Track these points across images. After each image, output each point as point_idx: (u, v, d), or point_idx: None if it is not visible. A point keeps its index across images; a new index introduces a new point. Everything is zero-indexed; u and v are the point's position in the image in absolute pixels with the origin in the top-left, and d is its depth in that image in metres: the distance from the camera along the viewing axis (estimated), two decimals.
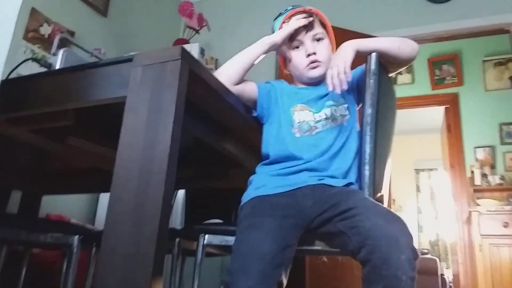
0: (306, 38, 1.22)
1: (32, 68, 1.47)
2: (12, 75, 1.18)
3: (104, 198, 2.69)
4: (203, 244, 1.11)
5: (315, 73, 1.22)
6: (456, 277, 4.32)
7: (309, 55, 1.21)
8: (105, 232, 0.81)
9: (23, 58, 1.54)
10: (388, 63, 1.17)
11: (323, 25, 1.27)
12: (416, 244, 5.36)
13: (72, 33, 2.61)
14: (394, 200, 5.64)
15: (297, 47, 1.24)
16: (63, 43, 1.48)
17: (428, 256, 4.57)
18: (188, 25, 3.31)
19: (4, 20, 0.97)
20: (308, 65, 1.21)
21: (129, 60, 0.94)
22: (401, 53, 1.16)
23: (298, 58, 1.23)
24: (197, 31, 3.34)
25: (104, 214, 2.83)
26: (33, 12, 2.40)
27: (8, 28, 0.96)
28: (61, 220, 2.14)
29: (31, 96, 1.09)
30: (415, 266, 0.81)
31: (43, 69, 1.35)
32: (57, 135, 1.24)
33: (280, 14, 1.33)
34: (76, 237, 1.27)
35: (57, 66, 1.22)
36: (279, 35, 1.23)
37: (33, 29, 2.39)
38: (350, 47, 1.14)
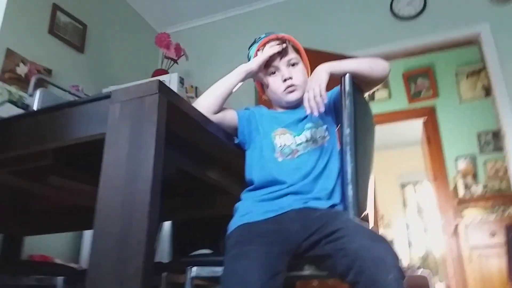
0: (281, 63, 1.25)
1: (10, 110, 1.46)
2: None
3: (88, 235, 2.63)
4: (191, 277, 1.09)
5: (293, 97, 1.24)
6: None
7: (285, 80, 1.24)
8: (89, 271, 0.79)
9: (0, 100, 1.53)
10: (361, 83, 1.20)
11: (297, 50, 1.30)
12: (407, 260, 5.35)
13: (49, 71, 2.61)
14: (382, 216, 5.66)
15: (274, 73, 1.27)
16: (40, 83, 1.48)
17: (420, 272, 4.54)
18: (166, 55, 3.35)
19: None
20: (285, 90, 1.24)
21: (107, 96, 0.95)
22: (373, 72, 1.20)
23: (275, 84, 1.26)
24: (175, 61, 3.37)
25: (88, 252, 2.76)
26: (9, 52, 2.39)
27: None
28: (44, 261, 2.08)
29: (10, 138, 1.08)
30: (402, 285, 0.81)
31: (20, 110, 1.34)
32: (38, 175, 1.22)
33: (254, 42, 1.37)
34: (61, 279, 1.23)
35: (35, 107, 1.21)
36: (254, 63, 1.26)
37: (9, 70, 2.38)
38: (324, 70, 1.17)
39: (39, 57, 2.57)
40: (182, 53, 3.37)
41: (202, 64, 3.61)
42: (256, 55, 1.31)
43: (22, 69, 2.44)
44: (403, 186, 6.40)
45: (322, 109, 1.11)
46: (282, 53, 1.26)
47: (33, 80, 1.27)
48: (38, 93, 1.20)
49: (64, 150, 1.11)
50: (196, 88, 3.34)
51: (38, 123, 1.05)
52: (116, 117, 0.91)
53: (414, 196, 6.35)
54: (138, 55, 3.64)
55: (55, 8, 2.75)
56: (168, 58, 3.36)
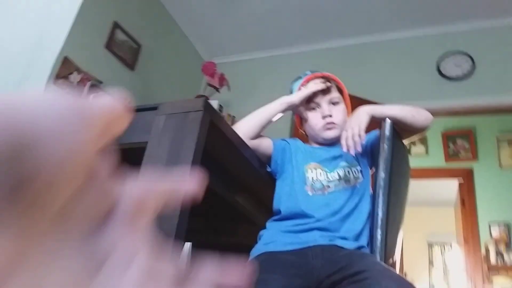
0: (323, 101, 1.27)
1: None
2: None
3: None
4: None
5: (330, 134, 1.25)
6: None
7: (325, 117, 1.25)
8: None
9: None
10: (401, 130, 1.20)
11: (340, 91, 1.32)
12: None
13: (100, 83, 2.75)
14: (405, 273, 5.42)
15: (314, 109, 1.28)
16: (91, 90, 1.56)
17: None
18: (209, 83, 3.45)
19: (42, 65, 1.04)
20: (323, 126, 1.25)
21: (154, 108, 0.99)
22: (415, 122, 1.19)
23: (314, 119, 1.27)
24: (217, 90, 3.47)
25: None
26: (66, 60, 2.54)
27: (45, 72, 1.02)
28: None
29: None
30: None
31: None
32: None
33: (299, 78, 1.40)
34: None
35: None
36: (297, 96, 1.28)
37: (63, 76, 2.52)
38: (365, 112, 1.17)
39: (93, 69, 2.71)
40: (225, 83, 3.47)
41: (242, 96, 3.69)
42: (299, 89, 1.33)
43: (75, 77, 2.58)
44: (430, 245, 6.15)
45: (359, 149, 1.11)
46: (325, 91, 1.28)
47: (88, 85, 1.34)
48: (91, 97, 1.27)
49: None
50: (233, 117, 3.41)
51: None
52: (159, 128, 0.95)
53: (441, 257, 6.08)
54: (184, 80, 3.77)
55: (115, 26, 2.93)
56: (211, 85, 3.46)
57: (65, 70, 2.54)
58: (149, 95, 3.26)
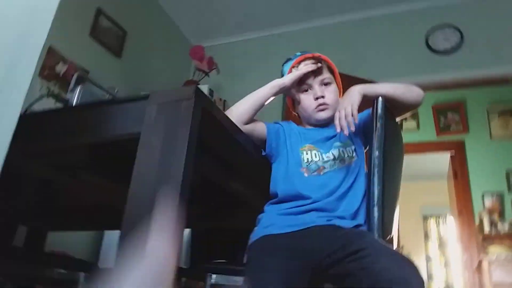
0: (315, 82, 1.27)
1: (46, 105, 1.52)
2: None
3: (109, 235, 2.66)
4: (210, 284, 1.09)
5: (323, 115, 1.25)
6: None
7: (317, 98, 1.25)
8: (115, 270, 0.80)
9: (38, 94, 1.59)
10: (394, 107, 1.20)
11: (331, 71, 1.32)
12: None
13: (86, 72, 2.70)
14: (402, 246, 5.52)
15: (306, 91, 1.28)
16: (79, 81, 1.53)
17: None
18: (198, 67, 3.42)
19: (27, 57, 1.02)
20: (316, 108, 1.25)
21: (145, 98, 0.97)
22: (407, 99, 1.20)
23: (306, 101, 1.27)
24: (206, 74, 3.44)
25: (108, 252, 2.78)
26: (50, 50, 2.49)
27: (31, 65, 1.00)
28: (68, 255, 2.11)
29: (48, 130, 1.12)
30: None
31: (57, 107, 1.39)
32: (69, 169, 1.26)
33: (289, 59, 1.39)
34: (82, 274, 1.25)
35: (74, 102, 1.26)
36: (288, 78, 1.27)
37: (49, 67, 2.48)
38: (357, 91, 1.17)
39: (78, 58, 2.67)
40: (214, 67, 3.43)
41: (232, 79, 3.66)
42: (290, 71, 1.32)
43: (60, 68, 2.54)
44: (425, 218, 6.26)
45: (353, 129, 1.11)
46: (316, 72, 1.27)
47: (75, 76, 1.32)
48: (78, 88, 1.25)
49: (97, 147, 1.14)
50: (224, 101, 3.39)
51: (77, 118, 1.09)
52: (152, 118, 0.94)
53: (436, 229, 6.20)
54: (172, 65, 3.73)
55: (99, 12, 2.87)
56: (200, 70, 3.43)
57: (50, 60, 2.49)
58: (137, 82, 3.22)
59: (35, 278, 1.40)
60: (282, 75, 1.37)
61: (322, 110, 1.25)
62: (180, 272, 1.33)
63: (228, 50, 3.92)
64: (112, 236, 2.65)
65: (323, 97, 1.25)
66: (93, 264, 1.60)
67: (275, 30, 3.81)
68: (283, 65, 1.41)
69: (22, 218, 1.91)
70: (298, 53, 1.37)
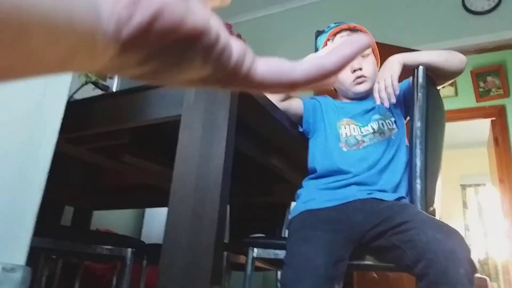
0: None
1: (86, 93, 1.56)
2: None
3: (150, 212, 2.76)
4: (252, 257, 1.12)
5: (361, 88, 1.22)
6: None
7: (355, 70, 1.22)
8: (164, 245, 0.84)
9: (77, 82, 1.63)
10: (435, 76, 1.16)
11: None
12: None
13: None
14: (440, 216, 5.44)
15: None
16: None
17: (478, 275, 4.36)
18: None
19: None
20: (354, 80, 1.22)
21: None
22: (449, 66, 1.15)
23: (344, 74, 1.24)
24: None
25: (149, 228, 2.88)
26: None
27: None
28: (114, 233, 2.22)
29: (90, 117, 1.16)
30: (473, 280, 0.79)
31: (100, 92, 1.43)
32: (113, 153, 1.31)
33: (323, 32, 1.35)
34: (130, 250, 1.32)
35: (114, 89, 1.29)
36: (325, 52, 1.24)
37: None
38: (397, 61, 1.14)
39: None
40: None
41: (262, 55, 3.62)
42: (325, 44, 1.30)
43: None
44: (463, 187, 6.10)
45: (394, 100, 1.09)
46: None
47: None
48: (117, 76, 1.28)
49: (140, 130, 1.17)
50: None
51: (117, 104, 1.12)
52: (191, 100, 0.95)
53: (476, 198, 6.04)
54: None
55: None
56: None
57: None
58: None
59: (83, 254, 1.48)
60: (316, 49, 1.35)
61: (360, 83, 1.22)
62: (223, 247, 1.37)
63: (256, 28, 3.87)
64: (152, 213, 2.75)
65: (360, 69, 1.22)
66: (139, 240, 1.68)
67: (301, 1, 3.71)
68: (316, 38, 1.38)
69: (69, 199, 2.01)
70: (333, 25, 1.34)
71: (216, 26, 0.19)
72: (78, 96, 1.41)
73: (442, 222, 0.92)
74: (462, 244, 0.83)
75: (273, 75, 0.20)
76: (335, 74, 0.20)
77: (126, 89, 1.11)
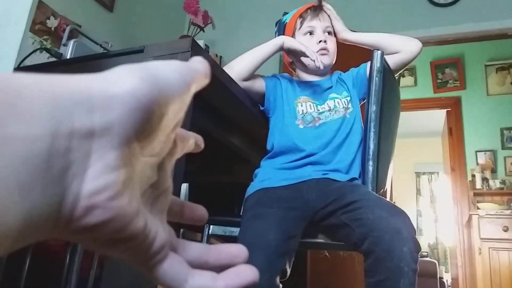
0: (319, 27, 1.25)
1: (39, 59, 1.49)
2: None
3: None
4: (208, 234, 1.12)
5: (324, 59, 1.23)
6: (455, 280, 4.34)
7: (320, 41, 1.23)
8: None
9: (31, 49, 1.55)
10: (392, 59, 1.21)
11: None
12: None
13: (78, 26, 2.63)
14: (394, 202, 5.65)
15: (309, 34, 1.26)
16: (72, 35, 1.50)
17: (427, 259, 4.59)
18: (193, 22, 3.33)
19: (18, 11, 0.99)
20: (318, 51, 1.23)
21: (140, 51, 0.96)
22: (395, 45, 1.22)
23: (309, 44, 1.23)
24: (201, 29, 3.35)
25: None
26: (40, 5, 2.41)
27: (21, 19, 0.97)
28: None
29: None
30: (417, 258, 0.83)
31: (50, 60, 1.37)
32: None
33: (286, 13, 1.36)
34: None
35: (68, 56, 1.23)
36: (296, 44, 1.21)
37: (40, 22, 2.40)
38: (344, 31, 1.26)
39: (69, 12, 2.58)
40: (209, 21, 3.34)
41: (228, 34, 3.58)
42: (294, 21, 1.29)
43: (52, 22, 2.46)
44: (418, 175, 6.37)
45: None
46: (320, 15, 1.26)
47: (67, 30, 1.28)
48: (71, 42, 1.22)
49: None
50: (220, 57, 3.34)
51: (71, 72, 1.07)
52: None
53: (429, 186, 6.32)
54: (165, 19, 3.63)
55: None
56: (194, 24, 3.34)
57: (41, 15, 2.42)
58: (130, 36, 3.14)
59: None
60: (283, 22, 1.34)
61: (323, 54, 1.24)
62: (177, 224, 1.36)
63: (223, 4, 3.80)
64: None
65: (325, 42, 1.24)
66: None
67: None
68: (283, 17, 1.38)
69: None
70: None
71: (153, 231, 0.21)
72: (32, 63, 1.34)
73: (389, 202, 0.96)
74: (407, 223, 0.86)
75: (168, 279, 0.22)
76: None
77: (81, 56, 1.07)
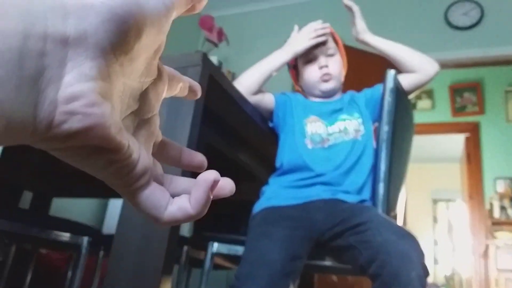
0: (320, 53, 1.24)
1: None
2: None
3: (113, 203, 2.69)
4: (212, 253, 1.09)
5: (327, 86, 1.23)
6: None
7: (321, 67, 1.22)
8: (116, 238, 0.80)
9: None
10: (402, 69, 1.19)
11: (335, 42, 1.29)
12: (431, 277, 5.22)
13: None
14: (410, 229, 5.51)
15: (311, 61, 1.25)
16: None
17: None
18: (208, 38, 3.36)
19: None
20: (320, 78, 1.22)
21: None
22: (411, 61, 1.20)
23: (311, 72, 1.25)
24: (216, 45, 3.38)
25: (112, 219, 2.81)
26: None
27: None
28: (72, 220, 2.15)
29: None
30: (425, 283, 0.79)
31: None
32: None
33: None
34: (86, 238, 1.27)
35: None
36: (302, 46, 1.23)
37: None
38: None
39: None
40: (223, 38, 3.37)
41: (242, 51, 3.61)
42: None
43: None
44: (435, 202, 6.20)
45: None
46: (321, 43, 1.25)
47: None
48: None
49: None
50: (233, 74, 3.35)
51: None
52: None
53: (446, 213, 6.15)
54: (180, 35, 3.67)
55: None
56: (209, 41, 3.37)
57: None
58: None
59: (39, 240, 1.42)
60: None
61: (326, 80, 1.23)
62: (181, 241, 1.34)
63: (238, 22, 3.85)
64: (116, 205, 2.68)
65: (327, 66, 1.22)
66: (97, 230, 1.62)
67: (284, 1, 3.72)
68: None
69: (27, 183, 1.93)
70: None
71: (136, 152, 0.21)
72: None
73: (398, 225, 0.92)
74: (416, 247, 0.83)
75: (148, 206, 0.22)
76: (197, 217, 0.22)
77: None
